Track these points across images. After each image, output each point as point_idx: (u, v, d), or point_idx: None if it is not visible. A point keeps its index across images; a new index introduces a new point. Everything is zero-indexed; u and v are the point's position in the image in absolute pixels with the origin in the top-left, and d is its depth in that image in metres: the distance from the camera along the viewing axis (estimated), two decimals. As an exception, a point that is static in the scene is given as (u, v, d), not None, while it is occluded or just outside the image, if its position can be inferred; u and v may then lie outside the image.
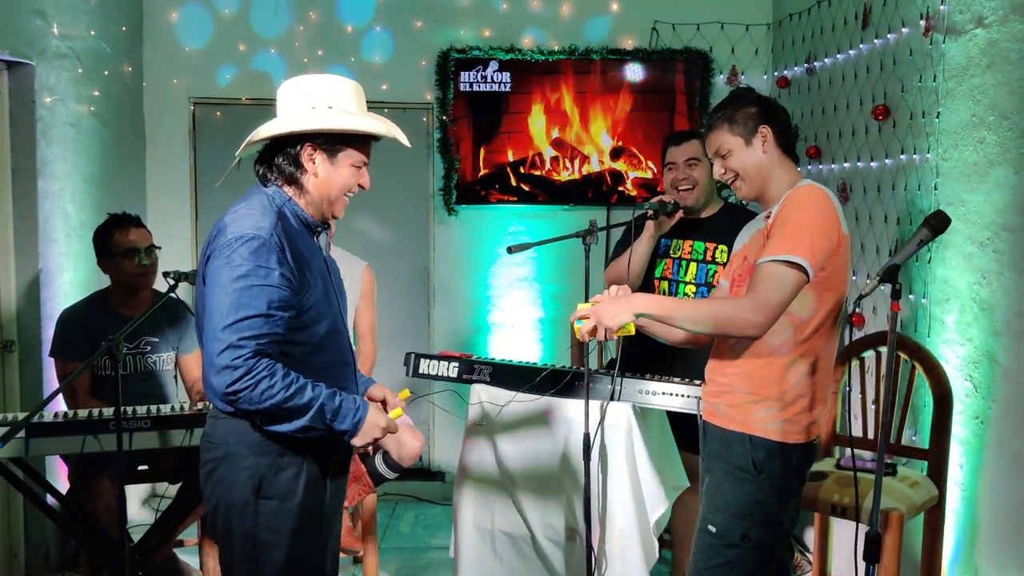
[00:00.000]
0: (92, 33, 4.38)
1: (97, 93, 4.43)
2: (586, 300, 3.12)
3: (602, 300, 2.46)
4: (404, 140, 2.36)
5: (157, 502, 4.21)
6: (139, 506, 4.73)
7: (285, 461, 2.26)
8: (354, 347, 3.90)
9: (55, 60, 4.04)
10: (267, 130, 2.27)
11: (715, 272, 3.33)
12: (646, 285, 3.45)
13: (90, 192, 4.35)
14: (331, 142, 2.28)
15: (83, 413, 3.06)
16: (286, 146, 2.28)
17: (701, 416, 2.58)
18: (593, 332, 2.43)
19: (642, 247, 3.35)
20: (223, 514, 2.27)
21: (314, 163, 2.29)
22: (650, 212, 3.28)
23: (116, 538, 2.98)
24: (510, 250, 3.06)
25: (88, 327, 3.43)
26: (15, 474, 3.09)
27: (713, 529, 2.42)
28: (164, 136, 5.06)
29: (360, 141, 2.32)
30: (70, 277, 4.17)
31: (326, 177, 2.30)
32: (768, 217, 2.44)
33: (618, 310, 2.38)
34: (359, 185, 2.35)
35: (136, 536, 3.48)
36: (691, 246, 3.40)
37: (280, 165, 2.29)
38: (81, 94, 4.28)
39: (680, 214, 3.32)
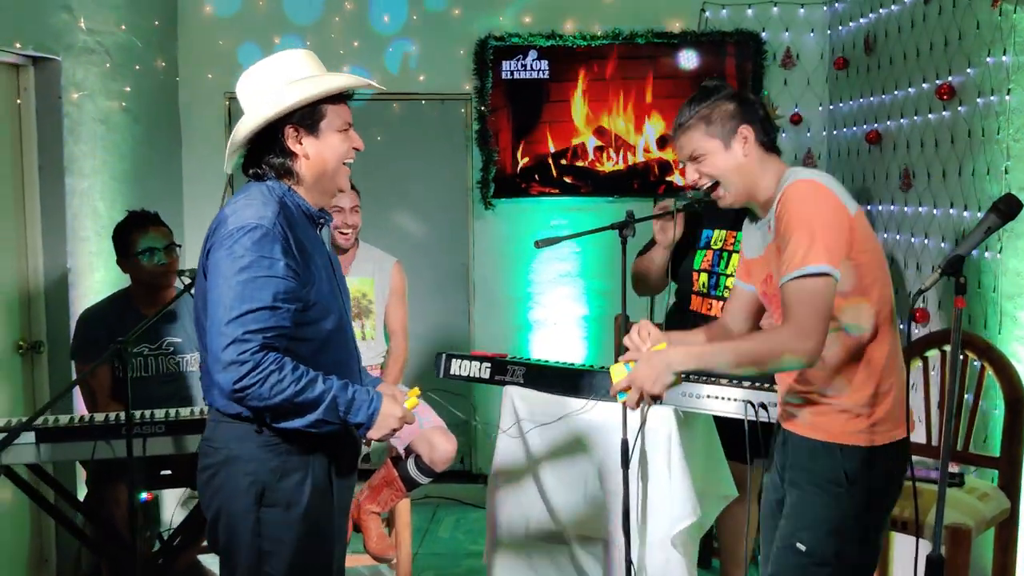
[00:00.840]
0: (122, 28, 4.32)
1: (128, 89, 4.37)
2: (623, 295, 2.96)
3: (635, 357, 2.26)
4: (376, 86, 2.28)
5: (195, 504, 4.14)
6: (177, 508, 4.66)
7: (290, 466, 2.16)
8: (385, 346, 3.81)
9: (83, 55, 3.98)
10: (241, 131, 2.18)
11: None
12: (684, 278, 3.27)
13: (122, 189, 4.29)
14: (308, 116, 2.17)
15: (99, 417, 2.98)
16: (268, 140, 2.18)
17: (780, 424, 2.38)
18: (640, 398, 2.24)
19: (658, 257, 3.28)
20: (223, 523, 2.17)
21: (301, 144, 2.18)
22: (680, 205, 3.11)
23: (136, 547, 2.88)
24: (538, 244, 2.91)
25: (111, 327, 3.35)
26: (27, 481, 3.01)
27: (803, 547, 2.23)
28: (199, 132, 5.01)
29: (335, 104, 2.21)
30: (101, 276, 4.11)
31: (317, 153, 2.20)
32: (770, 228, 2.23)
33: (658, 375, 2.18)
34: (354, 148, 2.25)
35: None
36: (734, 237, 3.20)
37: (270, 161, 2.19)
38: (111, 90, 4.22)
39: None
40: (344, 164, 2.24)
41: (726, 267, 3.21)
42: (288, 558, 2.16)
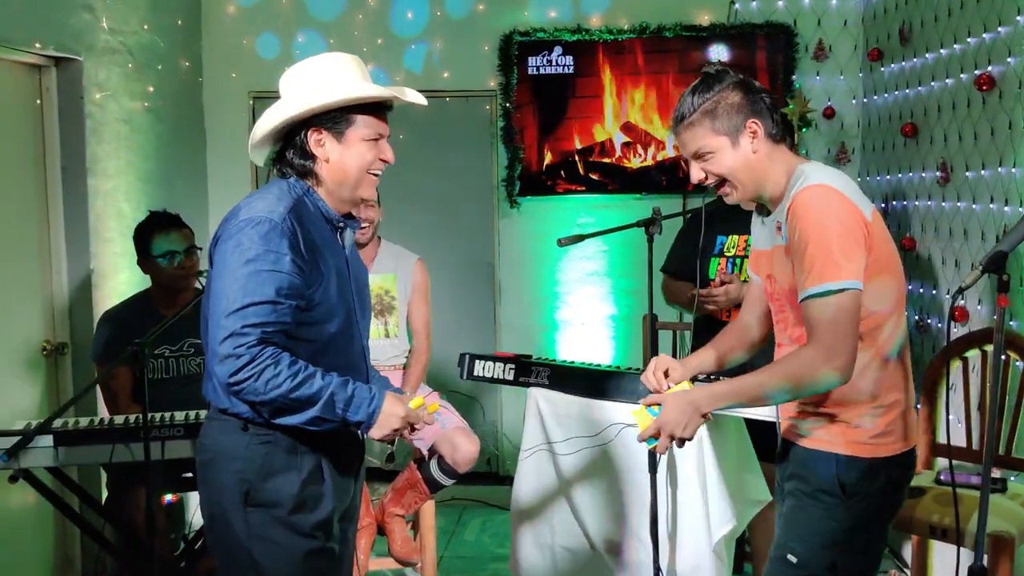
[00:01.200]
0: (145, 28, 4.30)
1: (152, 88, 4.35)
2: (649, 294, 2.88)
3: (658, 401, 2.21)
4: (414, 98, 2.19)
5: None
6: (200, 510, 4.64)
7: (277, 465, 2.10)
8: (408, 345, 3.76)
9: (105, 55, 3.96)
10: (260, 129, 2.15)
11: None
12: (701, 286, 3.19)
13: (146, 190, 4.27)
14: (335, 121, 2.12)
15: (118, 420, 2.95)
16: (292, 137, 2.15)
17: (781, 436, 2.31)
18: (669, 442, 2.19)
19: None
20: (213, 523, 2.13)
21: (323, 147, 2.14)
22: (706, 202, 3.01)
23: (154, 551, 2.86)
24: (560, 243, 2.85)
25: (131, 329, 3.32)
26: (45, 484, 2.98)
27: (794, 559, 2.15)
28: (224, 131, 4.99)
29: (369, 113, 2.15)
30: (126, 277, 4.10)
31: (339, 160, 2.15)
32: (779, 229, 2.12)
33: (688, 420, 2.14)
34: (382, 160, 2.18)
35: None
36: (746, 241, 3.12)
37: (291, 160, 2.16)
38: (134, 90, 4.21)
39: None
40: (370, 174, 2.19)
41: (740, 273, 3.14)
42: (279, 560, 2.11)
